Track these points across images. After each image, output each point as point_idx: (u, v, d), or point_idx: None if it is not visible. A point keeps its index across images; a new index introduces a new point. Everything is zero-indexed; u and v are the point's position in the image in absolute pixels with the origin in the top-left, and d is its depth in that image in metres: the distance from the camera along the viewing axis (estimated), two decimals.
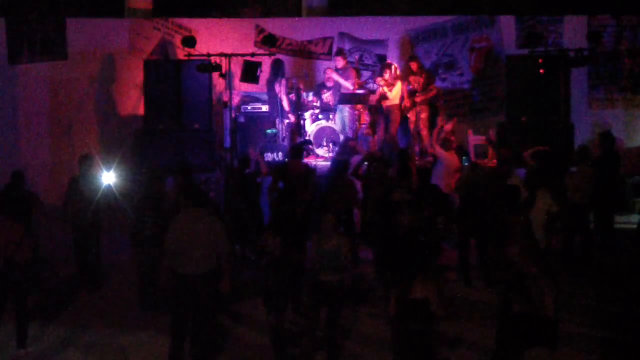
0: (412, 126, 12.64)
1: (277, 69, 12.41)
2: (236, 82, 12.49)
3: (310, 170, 10.62)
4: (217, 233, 6.81)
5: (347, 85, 12.67)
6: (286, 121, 12.69)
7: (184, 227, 6.77)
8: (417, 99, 12.43)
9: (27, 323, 7.54)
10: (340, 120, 13.03)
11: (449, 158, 10.46)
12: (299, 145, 11.43)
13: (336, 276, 6.90)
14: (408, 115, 12.63)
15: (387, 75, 12.45)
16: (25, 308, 7.52)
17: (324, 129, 12.70)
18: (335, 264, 6.89)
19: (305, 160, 12.48)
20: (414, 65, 12.57)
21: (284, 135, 12.66)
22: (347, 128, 12.92)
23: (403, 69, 13.16)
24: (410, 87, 12.52)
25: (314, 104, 12.80)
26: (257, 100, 13.09)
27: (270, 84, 12.41)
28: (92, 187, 9.07)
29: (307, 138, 12.76)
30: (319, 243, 6.99)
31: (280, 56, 12.94)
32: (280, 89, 12.46)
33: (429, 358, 6.23)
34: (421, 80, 12.45)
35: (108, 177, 8.98)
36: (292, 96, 12.74)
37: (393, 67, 12.62)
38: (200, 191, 7.53)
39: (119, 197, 8.99)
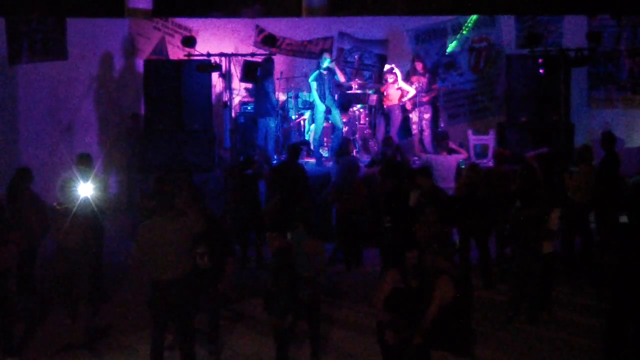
0: (414, 127, 12.61)
1: (268, 67, 12.37)
2: (236, 82, 12.50)
3: (305, 170, 10.61)
4: (183, 236, 6.73)
5: (341, 78, 12.59)
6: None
7: (153, 233, 6.66)
8: (423, 99, 12.41)
9: (9, 330, 7.40)
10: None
11: (439, 160, 10.46)
12: (296, 146, 11.42)
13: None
14: (410, 116, 12.63)
15: (391, 80, 12.49)
16: (8, 315, 7.39)
17: (325, 128, 12.72)
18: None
19: (307, 159, 12.52)
20: (419, 65, 12.56)
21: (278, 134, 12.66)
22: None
23: (407, 68, 13.19)
24: (414, 87, 12.51)
25: None
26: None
27: (260, 82, 12.33)
28: (78, 179, 8.94)
29: (304, 139, 12.76)
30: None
31: (280, 56, 12.93)
32: (278, 87, 12.47)
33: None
34: (425, 80, 12.44)
35: (86, 189, 8.21)
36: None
37: (397, 72, 12.65)
38: (167, 195, 7.40)
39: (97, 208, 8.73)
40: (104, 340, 7.78)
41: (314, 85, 12.31)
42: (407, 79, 12.67)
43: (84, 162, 9.23)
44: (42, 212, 9.11)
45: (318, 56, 12.71)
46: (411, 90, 12.47)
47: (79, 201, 7.79)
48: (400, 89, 12.53)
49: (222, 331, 7.81)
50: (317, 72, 12.29)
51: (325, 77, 12.28)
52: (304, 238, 7.00)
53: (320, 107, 12.31)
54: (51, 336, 7.91)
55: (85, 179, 8.40)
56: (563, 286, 8.85)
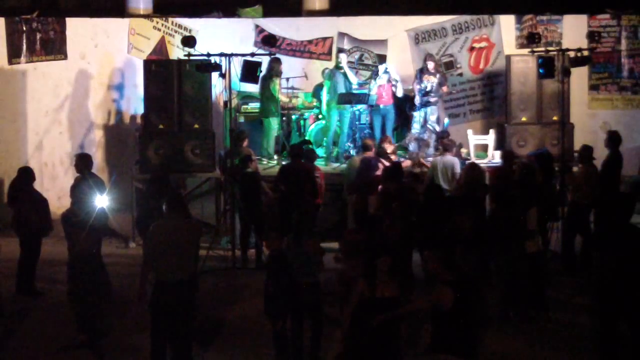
0: (415, 125, 12.56)
1: (275, 67, 12.38)
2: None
3: (312, 170, 10.60)
4: (191, 238, 6.77)
5: (353, 79, 12.61)
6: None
7: (163, 233, 6.65)
8: (431, 99, 12.36)
9: None
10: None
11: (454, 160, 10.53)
12: (299, 146, 11.41)
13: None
14: (414, 114, 12.59)
15: (384, 80, 12.51)
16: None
17: (325, 128, 12.72)
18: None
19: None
20: (431, 64, 12.49)
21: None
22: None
23: (407, 68, 13.16)
24: (422, 86, 12.44)
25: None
26: (257, 100, 13.09)
27: (265, 82, 12.36)
28: (91, 187, 8.96)
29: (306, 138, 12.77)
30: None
31: (280, 56, 12.94)
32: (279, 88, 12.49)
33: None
34: (435, 80, 12.38)
35: (102, 201, 8.17)
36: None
37: (390, 71, 12.65)
38: (178, 196, 7.40)
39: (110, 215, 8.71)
40: (104, 340, 7.78)
41: (327, 84, 12.33)
42: (418, 77, 12.57)
43: (84, 162, 9.21)
44: (43, 212, 9.13)
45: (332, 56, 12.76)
46: (399, 89, 12.47)
47: (95, 213, 7.80)
48: (392, 87, 12.53)
49: (222, 332, 7.82)
50: (330, 71, 12.34)
51: (339, 78, 12.32)
52: (299, 242, 6.98)
53: (331, 110, 12.34)
54: (51, 336, 7.92)
55: (101, 190, 8.41)
56: (563, 286, 8.85)
